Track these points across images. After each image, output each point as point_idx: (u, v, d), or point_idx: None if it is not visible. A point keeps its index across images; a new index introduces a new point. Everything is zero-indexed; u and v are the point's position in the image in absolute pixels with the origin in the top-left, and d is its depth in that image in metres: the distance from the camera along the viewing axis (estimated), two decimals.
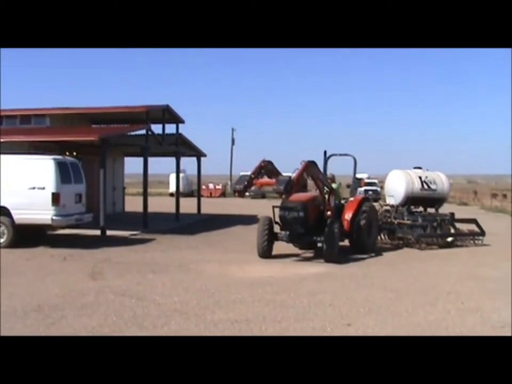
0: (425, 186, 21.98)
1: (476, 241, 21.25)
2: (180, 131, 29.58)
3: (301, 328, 9.21)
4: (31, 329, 8.78)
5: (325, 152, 20.35)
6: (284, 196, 15.83)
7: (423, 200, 22.27)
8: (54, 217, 17.86)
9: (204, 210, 33.48)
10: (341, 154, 20.34)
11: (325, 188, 17.78)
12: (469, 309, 10.77)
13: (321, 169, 18.61)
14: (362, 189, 59.22)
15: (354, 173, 20.23)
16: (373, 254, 17.97)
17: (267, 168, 16.05)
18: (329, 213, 17.55)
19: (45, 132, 24.81)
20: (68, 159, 19.58)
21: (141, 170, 26.04)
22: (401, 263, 16.75)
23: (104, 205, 21.92)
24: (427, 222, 20.81)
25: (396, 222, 21.05)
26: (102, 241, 20.14)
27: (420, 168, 23.09)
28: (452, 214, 21.77)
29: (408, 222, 20.97)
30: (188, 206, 33.82)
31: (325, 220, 16.94)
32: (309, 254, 17.87)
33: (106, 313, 9.92)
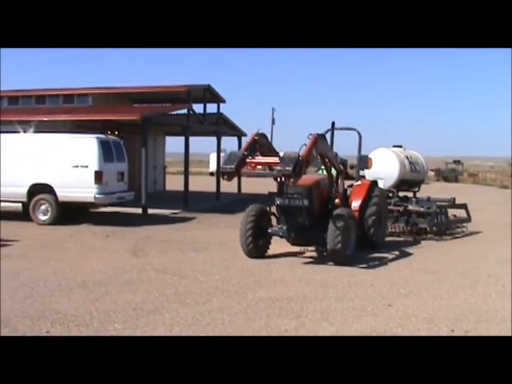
0: (413, 167, 19.88)
1: (463, 228, 19.51)
2: (221, 110, 29.61)
3: (341, 307, 9.24)
4: (75, 304, 8.97)
5: (333, 124, 16.49)
6: (291, 180, 11.84)
7: (410, 183, 20.09)
8: (96, 195, 18.10)
9: (244, 189, 33.52)
10: (342, 128, 16.92)
11: (333, 168, 14.67)
12: (510, 292, 10.63)
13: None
14: None
15: (360, 150, 16.42)
16: (397, 253, 14.73)
17: (261, 143, 13.02)
18: (337, 200, 14.20)
19: (87, 111, 25.07)
20: (110, 138, 19.80)
21: (180, 149, 26.16)
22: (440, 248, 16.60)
23: (146, 183, 22.08)
24: (439, 209, 18.42)
25: (411, 210, 18.11)
26: (144, 219, 20.41)
27: (400, 146, 20.54)
28: (454, 199, 19.94)
29: (422, 209, 18.16)
30: (228, 185, 33.80)
31: (332, 210, 13.57)
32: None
33: (149, 290, 10.06)
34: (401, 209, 18.19)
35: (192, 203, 24.98)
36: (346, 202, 14.79)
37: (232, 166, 12.12)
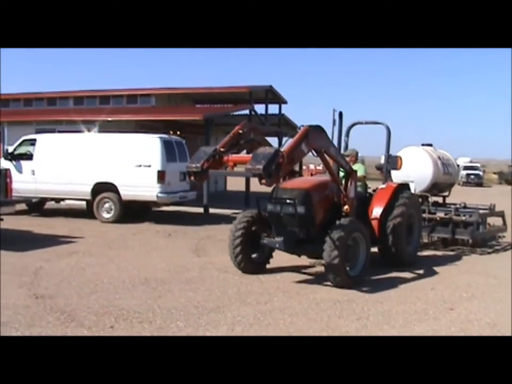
0: (445, 169, 17.32)
1: (499, 238, 16.85)
2: (283, 111, 29.67)
3: (403, 310, 9.12)
4: (139, 301, 9.10)
5: (340, 114, 13.36)
6: (263, 182, 9.00)
7: (441, 186, 17.57)
8: (159, 194, 18.31)
9: None
10: (368, 122, 14.52)
11: (340, 169, 11.91)
12: None
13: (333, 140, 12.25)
14: (464, 172, 56.80)
15: (388, 147, 13.93)
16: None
17: (247, 138, 10.68)
18: (346, 207, 11.58)
19: (150, 111, 25.46)
20: (173, 138, 20.00)
21: None
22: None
23: (208, 183, 22.23)
24: (481, 218, 15.71)
25: (454, 219, 15.48)
26: (205, 219, 20.59)
27: (430, 145, 17.95)
28: (494, 206, 16.99)
29: (464, 218, 15.54)
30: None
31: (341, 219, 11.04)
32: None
33: (210, 289, 10.13)
34: (438, 217, 15.86)
35: (253, 203, 24.94)
36: (366, 209, 12.40)
37: (198, 165, 9.88)
